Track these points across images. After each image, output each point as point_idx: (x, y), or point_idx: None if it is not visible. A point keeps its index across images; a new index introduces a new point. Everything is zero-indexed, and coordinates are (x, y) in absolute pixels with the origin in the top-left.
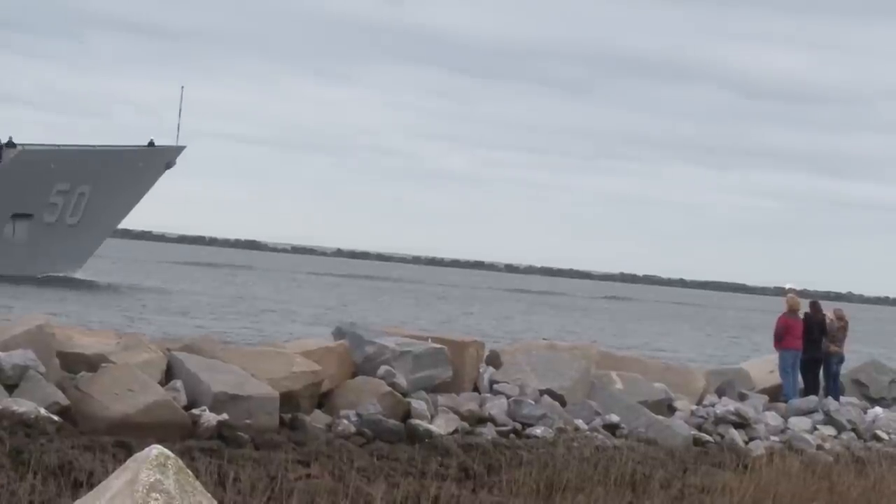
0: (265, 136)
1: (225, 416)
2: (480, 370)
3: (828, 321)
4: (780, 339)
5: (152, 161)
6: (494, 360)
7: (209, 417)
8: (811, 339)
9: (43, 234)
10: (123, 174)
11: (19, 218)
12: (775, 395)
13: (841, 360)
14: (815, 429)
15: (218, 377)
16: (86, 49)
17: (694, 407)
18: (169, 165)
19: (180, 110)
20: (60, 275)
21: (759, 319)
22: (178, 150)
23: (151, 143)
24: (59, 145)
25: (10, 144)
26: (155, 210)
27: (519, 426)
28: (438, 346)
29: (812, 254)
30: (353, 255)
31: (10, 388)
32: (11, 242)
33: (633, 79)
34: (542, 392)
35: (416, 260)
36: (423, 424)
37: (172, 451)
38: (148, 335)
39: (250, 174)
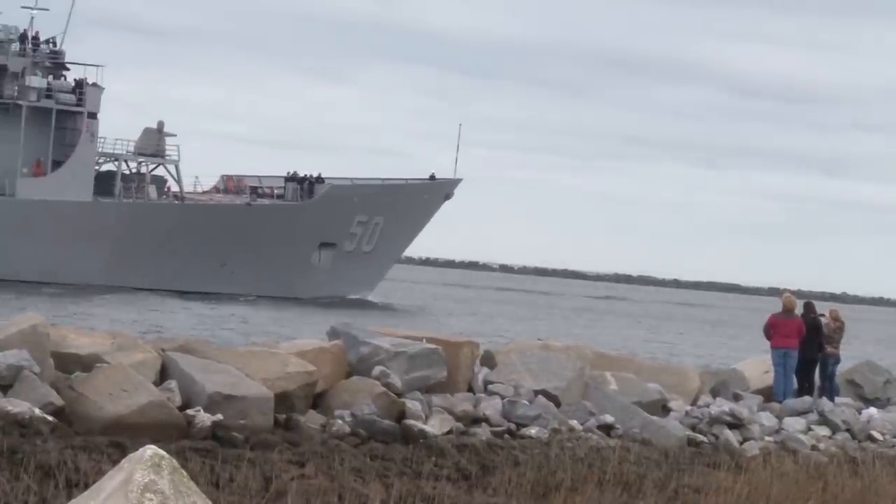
0: (258, 135)
1: (219, 416)
2: (475, 370)
3: (823, 322)
4: (767, 337)
5: (434, 193)
6: (489, 361)
7: (204, 418)
8: (805, 340)
9: (343, 261)
10: (411, 205)
11: (325, 247)
12: (770, 395)
13: (837, 360)
14: (810, 429)
15: (212, 377)
16: (79, 49)
17: (688, 407)
18: (448, 197)
19: (458, 146)
20: (355, 297)
21: (753, 319)
22: (456, 182)
23: (432, 177)
24: (352, 179)
25: (319, 180)
26: None
27: (513, 426)
28: (433, 346)
29: (807, 254)
30: None
31: (5, 389)
32: (317, 268)
33: (629, 78)
34: (536, 392)
35: (410, 260)
36: (418, 425)
37: (167, 451)
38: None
39: (243, 174)
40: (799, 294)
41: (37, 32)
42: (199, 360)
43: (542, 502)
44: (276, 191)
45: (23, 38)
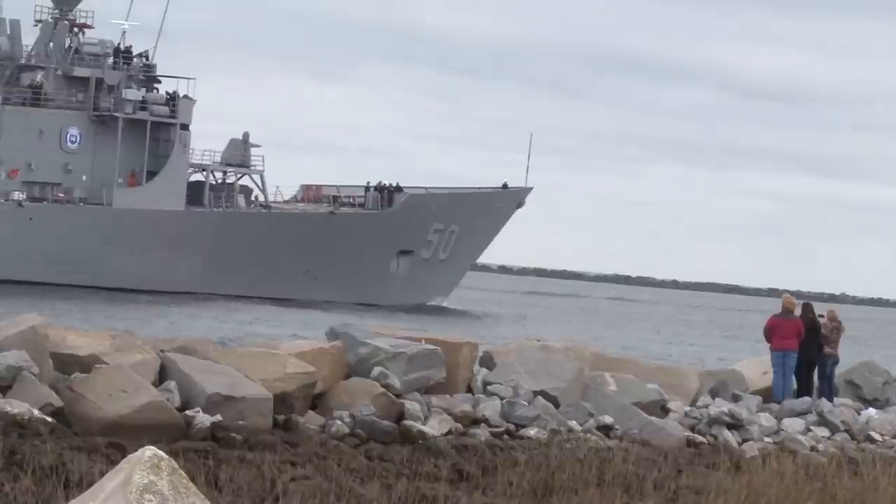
0: (257, 135)
1: (218, 417)
2: (474, 371)
3: (821, 323)
4: (767, 338)
5: (507, 201)
6: (488, 362)
7: (203, 418)
8: (804, 340)
9: (420, 268)
10: (484, 214)
11: (403, 254)
12: (769, 396)
13: (836, 361)
14: (809, 430)
15: (211, 378)
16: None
17: (687, 408)
18: (520, 205)
19: (529, 154)
20: (431, 303)
21: (752, 320)
22: (527, 191)
23: (505, 186)
24: (427, 188)
25: (398, 189)
26: None
27: (512, 427)
28: (432, 347)
29: (806, 255)
30: None
31: (4, 389)
32: (395, 276)
33: (627, 79)
34: (535, 393)
35: None
36: (417, 426)
37: (166, 452)
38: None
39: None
40: (798, 295)
41: (129, 46)
42: (199, 360)
43: (542, 503)
44: (356, 199)
45: (117, 52)
